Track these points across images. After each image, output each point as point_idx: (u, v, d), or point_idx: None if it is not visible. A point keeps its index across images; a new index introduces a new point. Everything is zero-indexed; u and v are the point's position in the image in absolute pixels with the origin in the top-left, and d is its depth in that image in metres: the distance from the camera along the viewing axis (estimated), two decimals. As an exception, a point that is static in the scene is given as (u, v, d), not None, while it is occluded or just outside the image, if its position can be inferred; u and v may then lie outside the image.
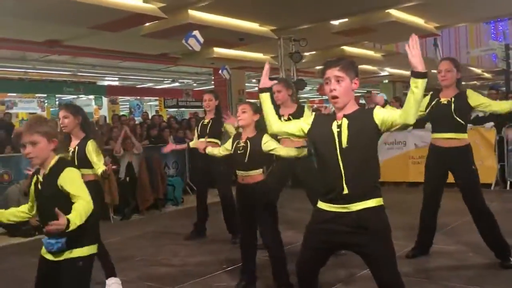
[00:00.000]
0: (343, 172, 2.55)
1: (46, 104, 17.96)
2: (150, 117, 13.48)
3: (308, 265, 2.80)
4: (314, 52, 13.32)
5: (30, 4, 7.00)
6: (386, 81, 21.32)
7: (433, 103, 4.38)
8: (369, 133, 2.58)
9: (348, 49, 12.98)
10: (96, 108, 19.50)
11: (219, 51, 11.76)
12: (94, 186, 3.77)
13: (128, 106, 21.41)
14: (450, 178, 4.46)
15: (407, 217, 5.36)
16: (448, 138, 4.33)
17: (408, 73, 2.50)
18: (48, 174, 2.65)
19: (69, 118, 3.97)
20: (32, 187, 2.74)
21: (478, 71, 19.65)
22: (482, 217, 4.30)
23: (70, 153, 3.90)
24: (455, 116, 4.26)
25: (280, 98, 4.82)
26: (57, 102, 18.07)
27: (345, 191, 2.55)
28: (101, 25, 8.37)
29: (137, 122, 11.92)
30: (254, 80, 19.27)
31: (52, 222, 2.37)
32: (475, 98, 4.28)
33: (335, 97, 2.60)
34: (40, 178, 2.68)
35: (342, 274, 4.26)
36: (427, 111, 4.41)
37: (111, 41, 10.71)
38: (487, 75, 20.95)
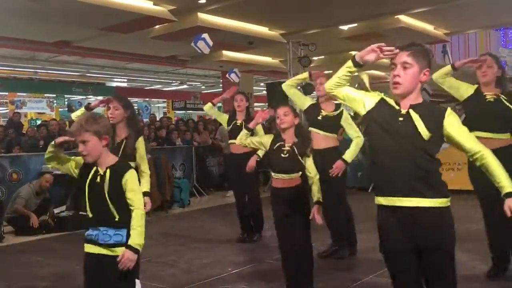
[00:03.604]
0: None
1: (55, 104, 18.09)
2: (158, 118, 13.50)
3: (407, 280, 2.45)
4: (322, 57, 13.34)
5: (41, 5, 7.06)
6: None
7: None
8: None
9: (357, 54, 12.97)
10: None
11: (228, 54, 11.81)
12: None
13: (136, 107, 21.53)
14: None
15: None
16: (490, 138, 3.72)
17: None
18: (110, 172, 2.67)
19: (119, 110, 3.95)
20: (89, 179, 2.68)
21: (487, 78, 19.59)
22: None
23: (115, 145, 3.91)
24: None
25: (321, 90, 4.84)
26: (66, 103, 18.20)
27: None
28: (111, 27, 8.44)
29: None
30: (262, 84, 19.31)
31: (121, 258, 2.58)
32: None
33: (396, 83, 2.29)
34: (101, 172, 2.67)
35: (348, 278, 4.25)
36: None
37: (120, 43, 10.79)
38: (496, 82, 20.88)
